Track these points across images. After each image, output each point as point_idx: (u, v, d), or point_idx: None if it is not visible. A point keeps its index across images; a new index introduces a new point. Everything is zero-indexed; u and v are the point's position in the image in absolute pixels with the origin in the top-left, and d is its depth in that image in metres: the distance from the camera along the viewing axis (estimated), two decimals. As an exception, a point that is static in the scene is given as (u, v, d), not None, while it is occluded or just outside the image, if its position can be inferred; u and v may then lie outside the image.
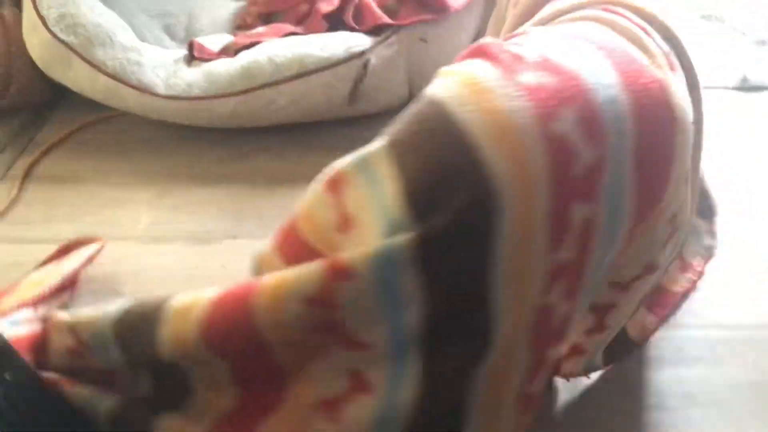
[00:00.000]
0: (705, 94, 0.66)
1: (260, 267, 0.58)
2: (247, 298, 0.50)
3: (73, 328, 0.59)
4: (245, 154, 1.24)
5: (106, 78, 1.23)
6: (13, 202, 1.15)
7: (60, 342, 0.60)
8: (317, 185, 0.59)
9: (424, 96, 0.51)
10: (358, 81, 1.24)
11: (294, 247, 0.56)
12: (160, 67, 1.25)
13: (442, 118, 0.47)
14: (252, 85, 1.20)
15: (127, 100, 1.24)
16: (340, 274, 0.47)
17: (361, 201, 0.52)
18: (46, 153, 1.26)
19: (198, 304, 0.53)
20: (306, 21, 1.38)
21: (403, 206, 0.47)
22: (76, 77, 1.26)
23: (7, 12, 1.39)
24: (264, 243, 0.58)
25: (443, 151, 0.47)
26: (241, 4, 1.51)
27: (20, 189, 1.17)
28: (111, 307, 0.58)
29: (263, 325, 0.49)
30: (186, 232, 1.09)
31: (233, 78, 1.22)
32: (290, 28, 1.35)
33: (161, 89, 1.22)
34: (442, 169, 0.46)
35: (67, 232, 1.05)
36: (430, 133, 0.48)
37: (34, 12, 1.27)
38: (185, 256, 1.05)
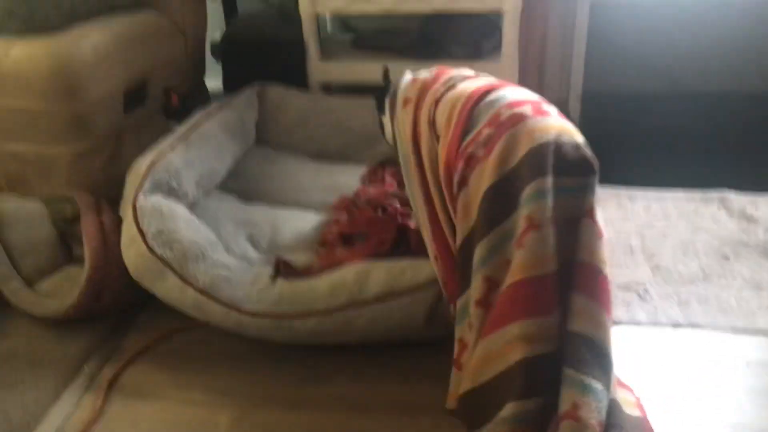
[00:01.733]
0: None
1: None
2: None
3: None
4: (322, 376, 1.26)
5: (195, 293, 1.30)
6: (98, 417, 1.18)
7: None
8: None
9: None
10: (434, 305, 1.27)
11: None
12: (247, 284, 1.32)
13: None
14: (334, 305, 1.26)
15: (214, 314, 1.30)
16: None
17: None
18: (130, 362, 1.31)
19: None
20: (387, 245, 1.44)
21: None
22: (168, 290, 1.33)
23: (107, 219, 1.51)
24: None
25: None
26: (324, 218, 1.59)
27: (104, 401, 1.22)
28: None
29: None
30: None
31: (317, 297, 1.27)
32: (371, 251, 1.42)
33: (247, 306, 1.28)
34: None
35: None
36: None
37: (134, 226, 1.38)
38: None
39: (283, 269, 1.36)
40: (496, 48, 2.01)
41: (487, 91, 1.16)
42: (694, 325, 1.35)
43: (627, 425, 0.95)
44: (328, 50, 2.10)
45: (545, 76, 2.34)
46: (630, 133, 2.30)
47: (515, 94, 1.15)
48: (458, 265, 1.10)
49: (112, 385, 1.26)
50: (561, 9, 2.24)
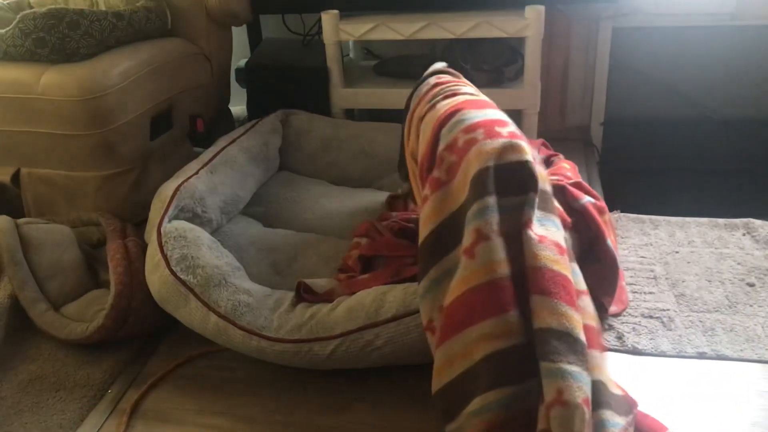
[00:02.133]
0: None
1: None
2: None
3: None
4: (343, 403, 1.26)
5: (217, 318, 1.31)
6: (120, 442, 1.19)
7: None
8: None
9: None
10: None
11: None
12: (268, 310, 1.33)
13: None
14: (352, 327, 1.26)
15: (234, 339, 1.30)
16: None
17: None
18: (152, 386, 1.32)
19: None
20: (407, 269, 1.45)
21: None
22: (190, 315, 1.34)
23: (132, 244, 1.52)
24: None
25: None
26: (345, 242, 1.60)
27: (127, 425, 1.22)
28: None
29: None
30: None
31: (336, 321, 1.28)
32: (391, 275, 1.42)
33: (267, 332, 1.29)
34: None
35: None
36: None
37: (158, 251, 1.40)
38: None
39: (303, 294, 1.36)
40: (519, 74, 2.02)
41: (452, 113, 1.18)
42: (720, 356, 1.33)
43: (613, 402, 0.98)
44: (350, 77, 2.13)
45: (567, 103, 2.35)
46: (653, 160, 2.29)
47: (474, 117, 1.17)
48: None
49: (135, 409, 1.27)
50: (583, 35, 2.25)
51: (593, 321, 1.07)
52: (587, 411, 0.93)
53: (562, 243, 1.08)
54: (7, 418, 1.25)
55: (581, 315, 1.02)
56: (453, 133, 1.15)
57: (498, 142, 1.09)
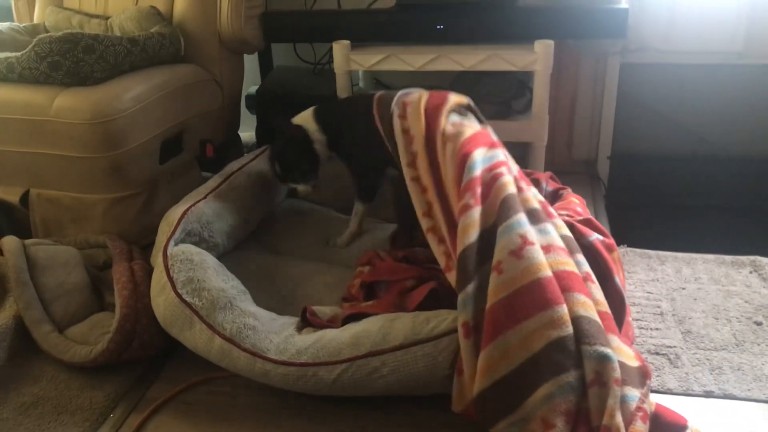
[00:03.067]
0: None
1: None
2: None
3: None
4: (342, 435, 1.25)
5: (222, 340, 1.31)
6: (121, 468, 1.18)
7: None
8: None
9: None
10: (458, 352, 1.25)
11: None
12: (273, 333, 1.33)
13: None
14: (358, 353, 1.26)
15: (238, 362, 1.30)
16: None
17: None
18: (154, 411, 1.31)
19: None
20: (409, 294, 1.45)
21: None
22: (195, 338, 1.34)
23: (138, 267, 1.52)
24: None
25: None
26: (349, 271, 1.60)
27: (128, 452, 1.21)
28: None
29: None
30: None
31: (341, 345, 1.27)
32: (396, 300, 1.43)
33: (272, 354, 1.29)
34: None
35: None
36: None
37: (164, 274, 1.40)
38: None
39: (310, 318, 1.36)
40: (527, 107, 2.03)
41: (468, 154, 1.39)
42: (727, 395, 1.31)
43: (630, 377, 1.14)
44: (360, 106, 2.14)
45: (574, 137, 2.36)
46: (659, 195, 2.29)
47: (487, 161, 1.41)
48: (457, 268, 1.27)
49: (136, 434, 1.25)
50: (591, 70, 2.27)
51: (604, 307, 1.25)
52: (618, 389, 1.09)
53: (561, 243, 1.29)
54: (7, 441, 1.24)
55: (594, 302, 1.22)
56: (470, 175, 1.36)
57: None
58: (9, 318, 1.48)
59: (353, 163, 1.74)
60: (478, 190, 1.34)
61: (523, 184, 1.40)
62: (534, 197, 1.37)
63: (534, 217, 1.32)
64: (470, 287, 1.24)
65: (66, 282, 1.55)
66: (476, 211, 1.30)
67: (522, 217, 1.30)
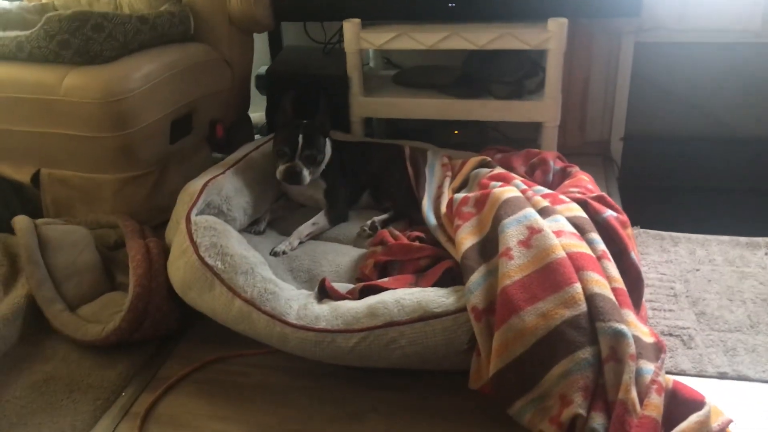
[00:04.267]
0: None
1: None
2: None
3: None
4: (356, 413, 1.24)
5: (242, 303, 1.32)
6: (132, 446, 1.19)
7: None
8: None
9: None
10: None
11: None
12: (293, 300, 1.34)
13: None
14: (376, 323, 1.26)
15: (257, 324, 1.31)
16: None
17: None
18: (166, 390, 1.31)
19: None
20: (425, 273, 1.46)
21: None
22: (214, 300, 1.35)
23: (153, 244, 1.52)
24: None
25: None
26: (362, 251, 1.60)
27: (140, 429, 1.21)
28: None
29: None
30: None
31: (359, 315, 1.28)
32: (412, 279, 1.43)
33: (291, 318, 1.30)
34: None
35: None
36: None
37: (187, 238, 1.41)
38: None
39: (328, 288, 1.38)
40: (539, 87, 2.00)
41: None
42: (741, 376, 1.30)
43: (645, 351, 1.16)
44: (370, 86, 2.12)
45: (587, 117, 2.33)
46: (673, 177, 2.27)
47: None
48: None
49: (148, 413, 1.26)
50: (605, 49, 2.24)
51: (619, 283, 1.26)
52: (633, 364, 1.11)
53: (572, 229, 1.34)
54: (21, 418, 1.25)
55: (607, 279, 1.24)
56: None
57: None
58: (21, 297, 1.48)
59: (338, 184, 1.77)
60: (465, 209, 1.47)
61: (529, 194, 1.48)
62: (542, 200, 1.44)
63: (544, 212, 1.39)
64: (475, 275, 1.28)
65: (77, 261, 1.55)
66: (468, 225, 1.42)
67: (530, 211, 1.36)
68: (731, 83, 2.21)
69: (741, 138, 2.25)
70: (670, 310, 1.50)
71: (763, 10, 2.06)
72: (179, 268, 1.39)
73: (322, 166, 1.73)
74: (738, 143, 2.25)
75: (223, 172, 1.64)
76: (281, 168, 1.66)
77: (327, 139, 1.76)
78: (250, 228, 1.69)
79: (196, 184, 1.56)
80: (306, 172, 1.66)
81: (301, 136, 1.66)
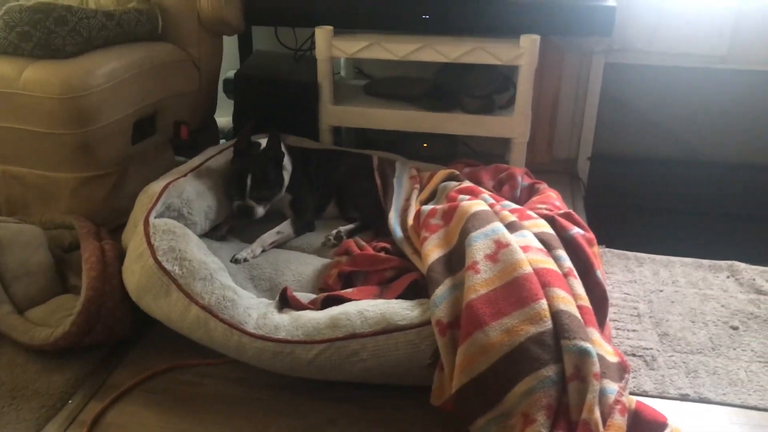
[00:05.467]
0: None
1: None
2: None
3: None
4: (315, 426, 1.20)
5: (199, 309, 1.28)
6: (76, 456, 1.13)
7: None
8: None
9: None
10: None
11: None
12: (253, 309, 1.31)
13: None
14: (337, 335, 1.23)
15: (214, 333, 1.27)
16: None
17: None
18: (116, 399, 1.26)
19: None
20: (390, 285, 1.44)
21: None
22: (170, 306, 1.31)
23: (108, 246, 1.47)
24: None
25: None
26: (326, 261, 1.57)
27: (85, 439, 1.16)
28: None
29: None
30: None
31: (320, 326, 1.25)
32: (376, 290, 1.41)
33: (250, 327, 1.26)
34: None
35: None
36: None
37: (144, 241, 1.37)
38: None
39: (290, 297, 1.35)
40: (510, 103, 2.00)
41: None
42: (702, 398, 1.30)
43: (609, 371, 1.15)
44: (340, 94, 2.10)
45: (555, 135, 2.34)
46: (639, 197, 2.29)
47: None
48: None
49: (95, 422, 1.20)
50: (575, 68, 2.25)
51: (585, 301, 1.25)
52: (597, 383, 1.10)
53: (539, 244, 1.34)
54: (-42, 425, 1.19)
55: (573, 296, 1.23)
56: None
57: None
58: (-34, 297, 1.42)
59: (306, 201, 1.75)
60: (432, 221, 1.46)
61: (497, 208, 1.48)
62: (509, 215, 1.44)
63: (511, 227, 1.39)
64: (441, 288, 1.27)
65: (28, 262, 1.49)
66: (435, 237, 1.41)
67: (498, 225, 1.36)
68: (698, 107, 2.25)
69: (706, 161, 2.29)
70: (634, 330, 1.50)
71: (729, 37, 2.10)
72: (135, 272, 1.35)
73: (281, 192, 1.71)
74: (703, 166, 2.28)
75: (185, 175, 1.60)
76: (234, 204, 1.65)
77: (286, 156, 1.74)
78: (212, 233, 1.64)
79: (156, 186, 1.52)
80: (259, 209, 1.65)
81: (249, 176, 1.62)
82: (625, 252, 1.82)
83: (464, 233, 1.35)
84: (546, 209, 1.54)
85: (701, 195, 2.25)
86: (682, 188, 2.26)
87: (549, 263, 1.28)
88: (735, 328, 1.51)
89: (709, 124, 2.26)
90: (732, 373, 1.37)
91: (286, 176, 1.73)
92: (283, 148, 1.73)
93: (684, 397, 1.31)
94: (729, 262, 1.76)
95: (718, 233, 2.05)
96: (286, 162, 1.74)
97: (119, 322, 1.38)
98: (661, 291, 1.65)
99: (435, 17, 1.96)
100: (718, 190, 2.25)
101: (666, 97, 2.25)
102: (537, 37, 1.85)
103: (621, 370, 1.17)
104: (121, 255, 1.44)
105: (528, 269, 1.23)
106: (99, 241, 1.48)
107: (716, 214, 2.17)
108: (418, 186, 1.74)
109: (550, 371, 1.11)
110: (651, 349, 1.44)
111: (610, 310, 1.54)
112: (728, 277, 1.72)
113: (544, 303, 1.18)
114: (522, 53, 1.86)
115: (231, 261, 1.55)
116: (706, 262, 1.77)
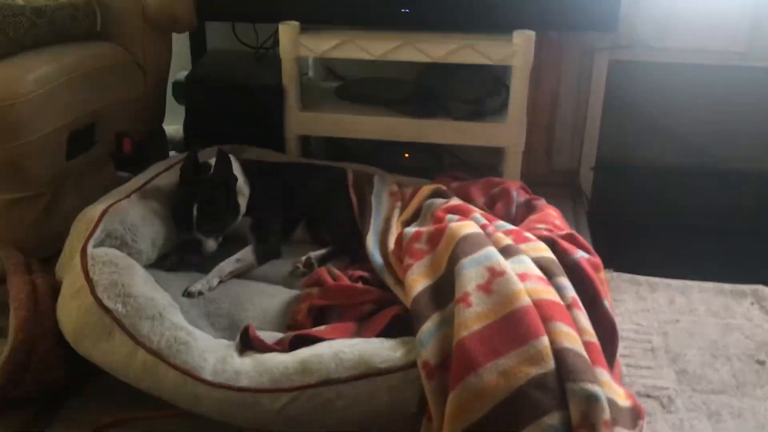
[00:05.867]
0: None
1: None
2: None
3: None
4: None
5: (146, 354, 1.27)
6: None
7: None
8: None
9: None
10: None
11: None
12: (209, 352, 1.30)
13: None
14: (309, 381, 1.23)
15: (165, 381, 1.26)
16: None
17: None
18: (52, 463, 1.25)
19: None
20: (369, 321, 1.44)
21: None
22: (113, 351, 1.30)
23: (41, 281, 1.46)
24: None
25: None
26: (294, 293, 1.57)
27: None
28: None
29: None
30: None
31: (289, 370, 1.25)
32: (353, 327, 1.41)
33: (206, 374, 1.26)
34: None
35: None
36: None
37: (82, 275, 1.36)
38: None
39: (252, 338, 1.34)
40: (502, 107, 2.02)
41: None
42: (727, 445, 1.32)
43: (621, 417, 1.16)
44: (308, 99, 2.11)
45: (554, 143, 2.37)
46: (650, 212, 2.31)
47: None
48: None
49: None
50: (575, 67, 2.28)
51: (592, 336, 1.25)
52: None
53: (538, 272, 1.34)
54: None
55: (578, 331, 1.23)
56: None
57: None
58: None
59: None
60: (416, 245, 1.47)
61: (490, 229, 1.50)
62: (504, 237, 1.45)
63: (507, 252, 1.39)
64: (428, 324, 1.27)
65: (-54, 301, 1.47)
66: (420, 264, 1.42)
67: (491, 250, 1.37)
68: (714, 109, 2.28)
69: (725, 170, 2.32)
70: (648, 368, 1.51)
71: (748, 31, 2.13)
72: (71, 312, 1.34)
73: (237, 220, 1.71)
74: (722, 176, 2.32)
75: (128, 196, 1.60)
76: (180, 238, 1.65)
77: (242, 177, 1.74)
78: (160, 263, 1.63)
79: (94, 210, 1.51)
80: (210, 242, 1.65)
81: (195, 208, 1.62)
82: (635, 276, 1.84)
83: (453, 260, 1.35)
84: (546, 230, 1.55)
85: (720, 209, 2.28)
86: (697, 201, 2.29)
87: (550, 294, 1.29)
88: (762, 363, 1.53)
89: (727, 128, 2.29)
90: (759, 415, 1.39)
91: (243, 201, 1.73)
92: (236, 170, 1.73)
93: (706, 444, 1.32)
94: (753, 287, 1.79)
95: (741, 252, 2.07)
96: (242, 185, 1.73)
97: (53, 370, 1.37)
98: (678, 321, 1.67)
99: (416, 11, 1.98)
100: (738, 203, 2.28)
101: (678, 98, 2.29)
102: (532, 34, 1.88)
103: (634, 416, 1.18)
104: (54, 290, 1.43)
105: (527, 301, 1.24)
106: (29, 275, 1.47)
107: (738, 230, 2.20)
108: (399, 204, 1.75)
109: (553, 419, 1.11)
110: (667, 389, 1.45)
111: (621, 344, 1.55)
112: (753, 303, 1.74)
113: (545, 340, 1.18)
114: (515, 51, 1.88)
115: (183, 295, 1.54)
116: (727, 286, 1.80)
